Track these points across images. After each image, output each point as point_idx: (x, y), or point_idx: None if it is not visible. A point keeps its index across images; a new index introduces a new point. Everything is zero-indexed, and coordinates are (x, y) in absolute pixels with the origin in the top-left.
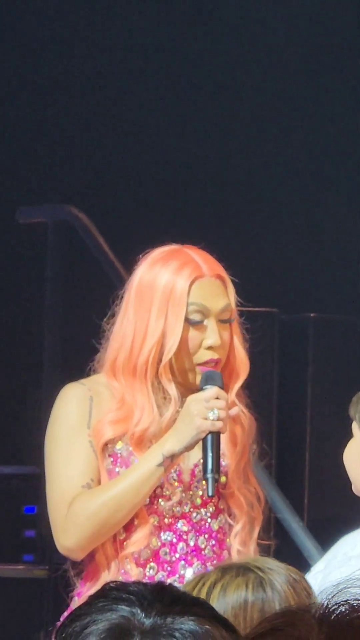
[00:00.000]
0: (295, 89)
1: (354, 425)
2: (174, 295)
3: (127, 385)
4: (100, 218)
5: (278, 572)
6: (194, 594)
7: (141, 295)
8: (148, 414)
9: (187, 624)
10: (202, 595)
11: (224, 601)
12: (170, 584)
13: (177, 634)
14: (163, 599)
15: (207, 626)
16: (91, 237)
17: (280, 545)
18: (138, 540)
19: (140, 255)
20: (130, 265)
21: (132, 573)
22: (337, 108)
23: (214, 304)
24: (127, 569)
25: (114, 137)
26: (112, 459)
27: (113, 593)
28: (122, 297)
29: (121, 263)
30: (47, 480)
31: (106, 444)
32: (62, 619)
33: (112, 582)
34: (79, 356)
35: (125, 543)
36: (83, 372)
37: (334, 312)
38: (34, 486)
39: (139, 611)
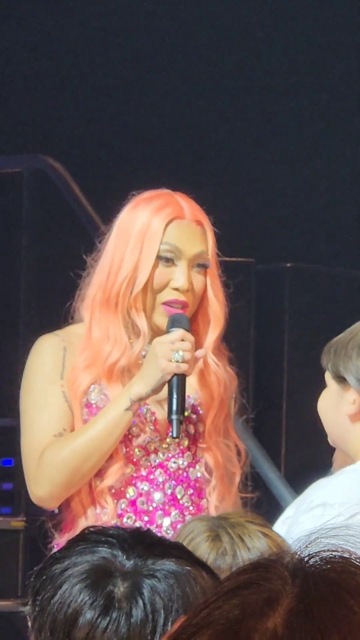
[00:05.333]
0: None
1: (327, 375)
2: (149, 232)
3: (101, 319)
4: (76, 167)
5: (252, 549)
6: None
7: (121, 232)
8: (119, 346)
9: (168, 564)
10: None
11: None
12: (148, 529)
13: (158, 574)
14: (143, 541)
15: (187, 567)
16: (66, 187)
17: (261, 497)
18: (112, 473)
19: (130, 195)
20: (106, 214)
21: (109, 508)
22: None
23: (188, 247)
24: (104, 505)
25: (91, 86)
26: (87, 410)
27: (92, 536)
28: (106, 235)
29: (97, 212)
30: (21, 431)
31: (82, 396)
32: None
33: (91, 526)
34: (55, 307)
35: (99, 481)
36: (60, 322)
37: (310, 261)
38: (10, 439)
39: (119, 553)
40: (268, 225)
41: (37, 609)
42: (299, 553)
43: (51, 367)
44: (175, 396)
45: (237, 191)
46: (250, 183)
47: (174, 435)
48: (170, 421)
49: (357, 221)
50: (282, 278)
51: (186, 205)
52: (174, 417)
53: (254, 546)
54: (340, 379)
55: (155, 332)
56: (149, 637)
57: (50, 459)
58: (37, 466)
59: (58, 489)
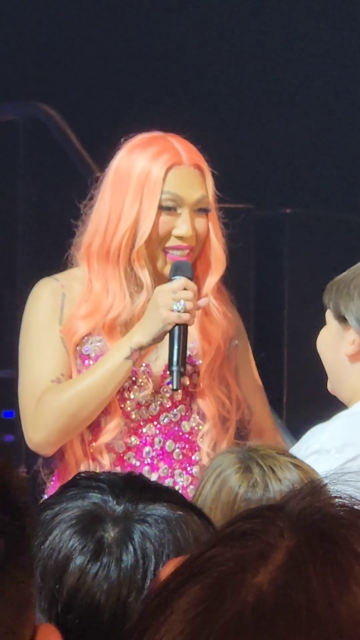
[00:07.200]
0: None
1: (328, 313)
2: (149, 181)
3: (99, 271)
4: (71, 114)
5: (283, 480)
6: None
7: (118, 180)
8: (120, 301)
9: (159, 509)
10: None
11: (220, 492)
12: (140, 474)
13: (149, 519)
14: (134, 486)
15: (179, 512)
16: (62, 133)
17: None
18: (110, 430)
19: (122, 140)
20: (102, 161)
21: (106, 463)
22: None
23: (189, 194)
24: (99, 460)
25: (86, 30)
26: (80, 361)
27: (84, 482)
28: (101, 180)
29: (93, 159)
30: (19, 376)
31: (76, 345)
32: None
33: (83, 472)
34: (52, 256)
35: (92, 441)
36: (57, 271)
37: (309, 207)
38: (11, 390)
39: (110, 498)
40: (267, 170)
41: None
42: (302, 501)
43: (49, 313)
44: (176, 347)
45: (236, 136)
46: (249, 128)
47: (175, 387)
48: (170, 372)
49: (357, 166)
50: (281, 224)
51: (182, 149)
52: (174, 368)
53: (285, 477)
54: (341, 319)
55: (160, 280)
56: (140, 583)
57: (47, 405)
58: (34, 412)
59: (54, 435)
